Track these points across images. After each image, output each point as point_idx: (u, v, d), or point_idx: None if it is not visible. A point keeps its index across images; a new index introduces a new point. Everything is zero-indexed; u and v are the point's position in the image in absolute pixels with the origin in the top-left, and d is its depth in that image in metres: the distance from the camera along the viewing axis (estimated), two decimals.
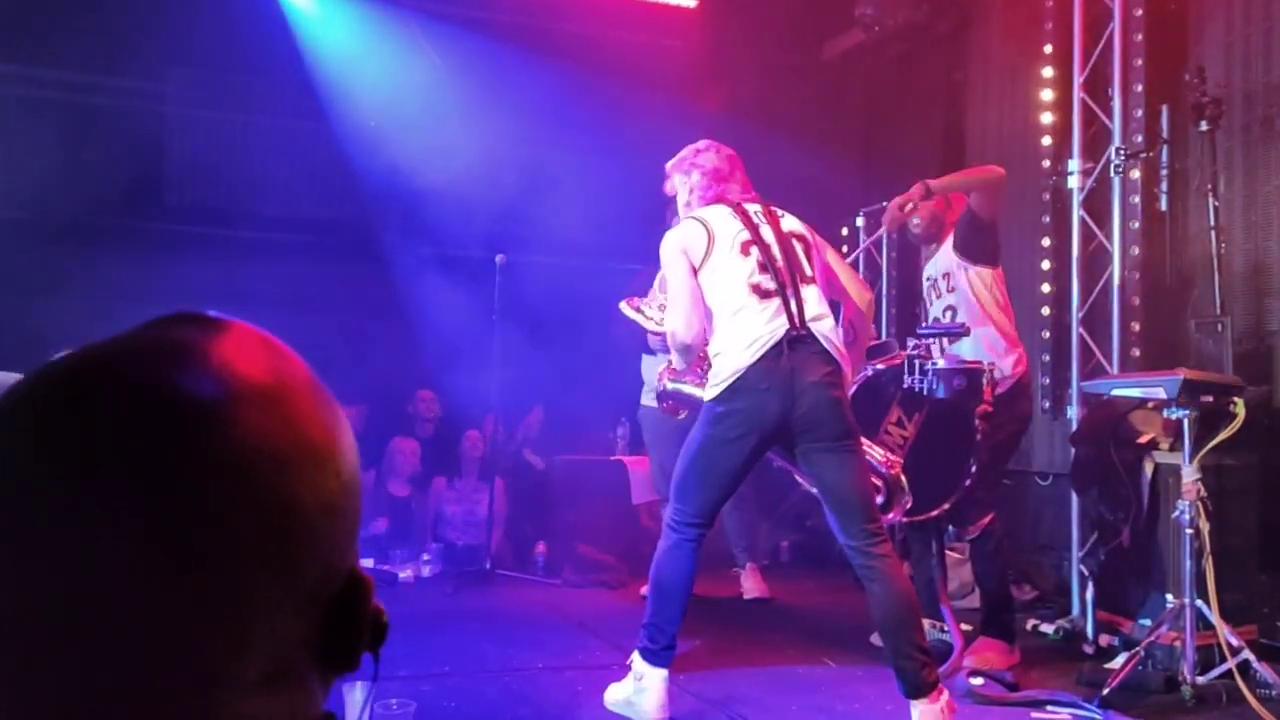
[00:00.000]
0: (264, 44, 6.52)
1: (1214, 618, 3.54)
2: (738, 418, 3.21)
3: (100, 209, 6.29)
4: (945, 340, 4.12)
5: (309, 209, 7.06)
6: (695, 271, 3.32)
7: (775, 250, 3.32)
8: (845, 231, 7.16)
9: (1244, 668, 3.47)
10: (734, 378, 3.20)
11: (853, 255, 5.89)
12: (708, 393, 3.30)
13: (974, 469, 3.88)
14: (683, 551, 3.33)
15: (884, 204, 6.52)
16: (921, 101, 6.94)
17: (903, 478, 3.61)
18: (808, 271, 3.33)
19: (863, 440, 3.39)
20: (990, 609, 4.22)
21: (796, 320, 3.23)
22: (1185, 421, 3.69)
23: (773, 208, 3.48)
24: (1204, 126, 4.43)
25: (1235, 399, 3.68)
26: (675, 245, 3.36)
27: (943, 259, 4.32)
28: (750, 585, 5.34)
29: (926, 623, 4.39)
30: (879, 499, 3.51)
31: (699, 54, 7.15)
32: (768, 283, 3.26)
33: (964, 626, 4.09)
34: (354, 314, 6.73)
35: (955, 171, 4.52)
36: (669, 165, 3.64)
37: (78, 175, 6.16)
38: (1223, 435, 3.66)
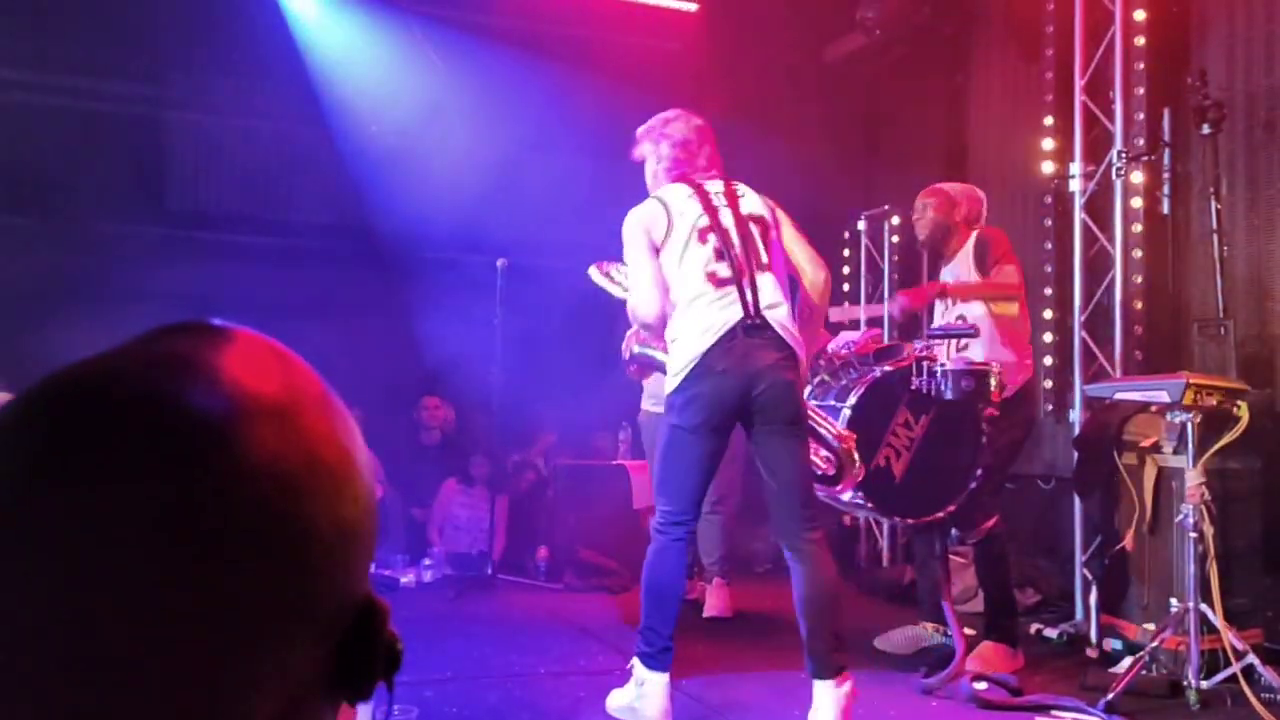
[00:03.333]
0: (265, 48, 6.53)
1: (1218, 621, 3.53)
2: (700, 403, 3.25)
3: (102, 214, 6.29)
4: (954, 342, 4.12)
5: (311, 213, 7.06)
6: (657, 251, 3.35)
7: (733, 236, 3.33)
8: (847, 234, 7.15)
9: (1249, 672, 3.46)
10: (691, 364, 3.24)
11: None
12: (667, 384, 3.34)
13: (979, 471, 3.87)
14: (672, 552, 3.35)
15: (886, 207, 6.58)
16: (923, 104, 6.93)
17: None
18: (764, 259, 3.36)
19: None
20: (993, 613, 4.21)
21: (751, 308, 3.27)
22: (1188, 425, 3.69)
23: (734, 186, 3.47)
24: (1206, 130, 4.42)
25: (1238, 402, 3.68)
26: (637, 224, 3.38)
27: (961, 268, 4.30)
28: (713, 602, 5.02)
29: (930, 627, 4.39)
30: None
31: (700, 57, 7.14)
32: (724, 270, 3.29)
33: (967, 631, 4.07)
34: (355, 318, 6.72)
35: (959, 184, 4.51)
36: (640, 131, 3.63)
37: (79, 180, 6.16)
38: (1226, 439, 3.65)
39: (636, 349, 3.70)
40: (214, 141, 6.89)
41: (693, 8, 7.31)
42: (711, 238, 3.32)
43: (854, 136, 7.54)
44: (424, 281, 6.72)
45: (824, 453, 3.62)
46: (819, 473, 3.59)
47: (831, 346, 4.12)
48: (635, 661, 3.38)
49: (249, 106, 6.88)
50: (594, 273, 3.86)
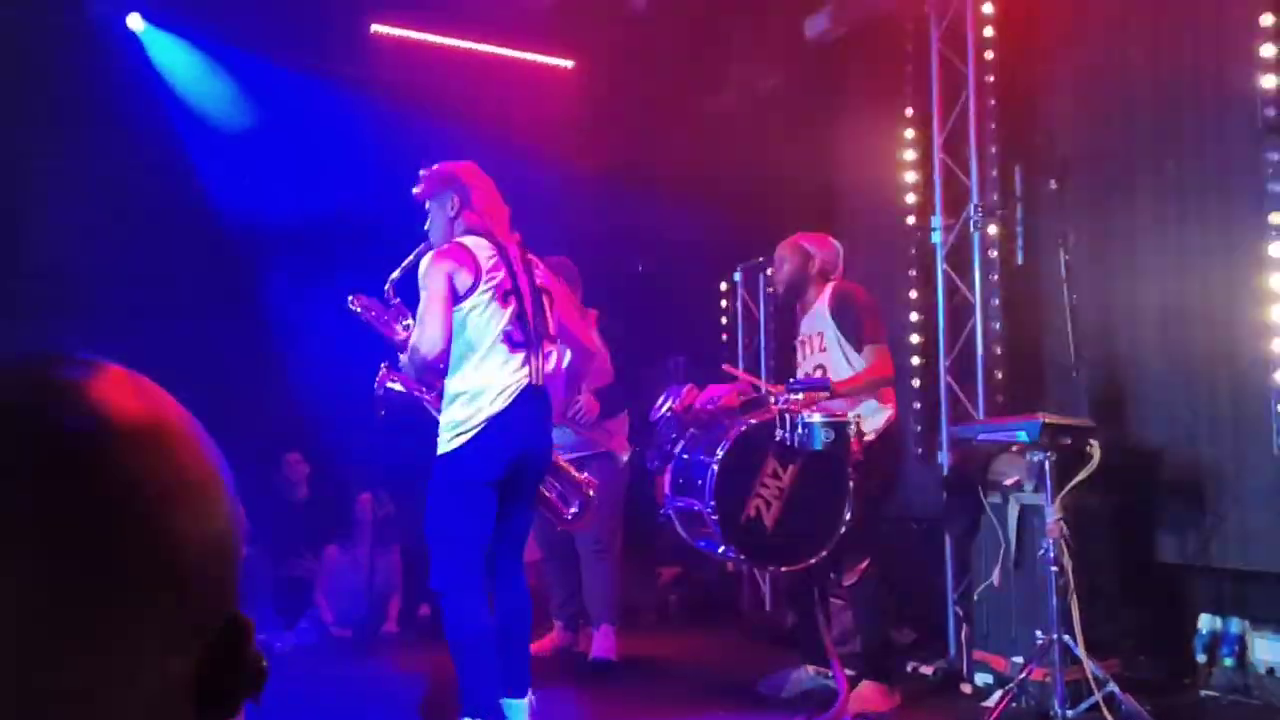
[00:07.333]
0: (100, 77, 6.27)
1: (1080, 652, 3.69)
2: (492, 458, 3.44)
3: None
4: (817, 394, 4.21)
5: (157, 262, 6.76)
6: (455, 299, 3.44)
7: (529, 303, 3.55)
8: (725, 286, 7.30)
9: (1110, 699, 3.62)
10: (484, 424, 3.42)
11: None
12: (453, 441, 3.45)
13: (848, 516, 3.97)
14: (482, 598, 3.46)
15: (760, 259, 6.74)
16: (795, 160, 7.14)
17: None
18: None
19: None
20: (870, 653, 4.30)
21: (536, 375, 3.52)
22: (1046, 463, 3.86)
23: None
24: (1054, 185, 4.70)
25: (1091, 440, 3.87)
26: (443, 267, 3.45)
27: (818, 319, 4.42)
28: (600, 644, 5.02)
29: (812, 669, 4.46)
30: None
31: (577, 113, 7.24)
32: (519, 335, 3.50)
33: (847, 671, 4.15)
34: (215, 374, 6.49)
35: (817, 235, 4.63)
36: (434, 172, 3.70)
37: None
38: (1080, 476, 3.84)
39: (394, 386, 3.82)
40: (46, 180, 6.53)
41: (569, 64, 7.42)
42: (513, 301, 3.51)
43: (729, 190, 7.71)
44: (284, 329, 6.53)
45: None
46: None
47: (699, 401, 4.20)
48: None
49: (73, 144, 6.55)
50: (353, 304, 3.93)
